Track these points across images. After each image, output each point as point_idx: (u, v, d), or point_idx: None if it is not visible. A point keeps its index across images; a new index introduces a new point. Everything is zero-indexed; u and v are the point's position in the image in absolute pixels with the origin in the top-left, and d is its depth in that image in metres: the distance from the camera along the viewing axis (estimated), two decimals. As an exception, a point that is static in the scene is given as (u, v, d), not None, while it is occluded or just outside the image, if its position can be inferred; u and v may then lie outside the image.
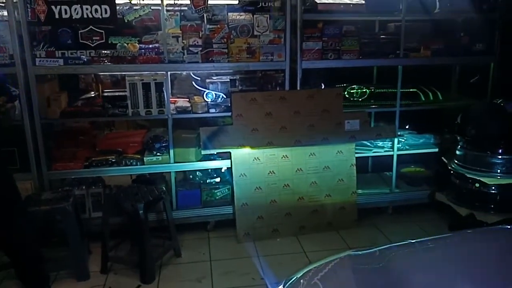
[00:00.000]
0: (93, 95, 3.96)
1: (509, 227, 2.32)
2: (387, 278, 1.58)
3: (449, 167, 3.80)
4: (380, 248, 1.80)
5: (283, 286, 1.67)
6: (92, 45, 3.39)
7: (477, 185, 3.57)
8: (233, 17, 3.58)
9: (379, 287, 1.56)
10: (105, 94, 3.73)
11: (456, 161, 3.76)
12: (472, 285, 1.57)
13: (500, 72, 4.03)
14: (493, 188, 3.53)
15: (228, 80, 3.81)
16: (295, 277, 1.69)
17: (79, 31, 3.35)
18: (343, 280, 1.62)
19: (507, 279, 1.58)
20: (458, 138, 3.76)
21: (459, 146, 3.75)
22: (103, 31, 3.37)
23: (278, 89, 3.85)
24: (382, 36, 4.05)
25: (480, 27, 3.95)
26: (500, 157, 3.51)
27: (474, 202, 3.60)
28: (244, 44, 3.61)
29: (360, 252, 1.80)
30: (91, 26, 3.35)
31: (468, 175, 3.61)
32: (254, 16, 3.60)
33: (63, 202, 3.08)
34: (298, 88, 3.75)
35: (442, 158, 3.97)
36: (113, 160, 3.61)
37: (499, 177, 3.51)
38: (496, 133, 3.56)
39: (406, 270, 1.65)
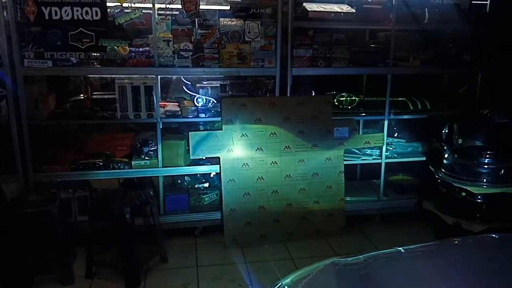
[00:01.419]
0: (82, 97, 3.93)
1: (495, 236, 2.34)
2: (371, 285, 1.58)
3: (436, 176, 3.84)
4: (365, 255, 1.80)
5: (268, 293, 1.66)
6: (82, 47, 3.36)
7: (463, 194, 3.60)
8: (224, 22, 3.59)
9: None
10: (94, 96, 3.71)
11: (443, 170, 3.79)
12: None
13: (487, 83, 4.09)
14: (479, 197, 3.56)
15: (219, 85, 3.81)
16: (279, 283, 1.69)
17: (69, 33, 3.33)
18: (327, 286, 1.61)
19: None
20: (445, 147, 3.80)
21: (446, 155, 3.79)
22: (93, 33, 3.35)
23: (268, 95, 3.87)
24: (372, 45, 4.10)
25: (468, 38, 4.02)
26: (486, 166, 3.55)
27: (460, 211, 3.63)
28: (235, 50, 3.62)
29: (344, 259, 1.80)
30: (81, 28, 3.33)
31: (455, 184, 3.64)
32: (246, 22, 3.61)
33: (48, 204, 3.04)
34: (288, 95, 3.77)
35: (430, 166, 4.01)
36: (100, 164, 3.58)
37: (485, 186, 3.55)
38: (483, 143, 3.60)
39: (391, 278, 1.66)
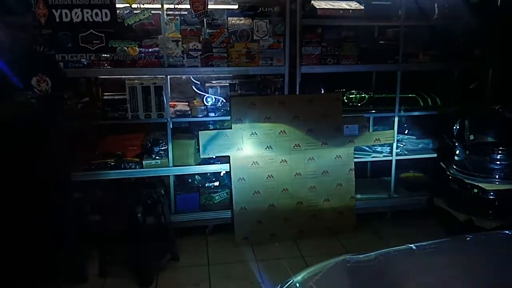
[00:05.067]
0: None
1: (507, 232, 2.32)
2: (383, 282, 1.58)
3: (448, 173, 3.80)
4: (376, 252, 1.80)
5: (279, 290, 1.67)
6: (92, 49, 3.40)
7: (475, 190, 3.56)
8: (232, 21, 3.60)
9: (375, 291, 1.56)
10: (105, 97, 3.74)
11: (454, 167, 3.76)
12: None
13: (498, 78, 4.04)
14: (492, 193, 3.52)
15: (228, 84, 3.82)
16: (291, 281, 1.70)
17: (79, 35, 3.37)
18: (338, 284, 1.62)
19: (505, 285, 1.58)
20: (457, 143, 3.77)
21: (457, 152, 3.76)
22: (103, 35, 3.39)
23: (277, 93, 3.86)
24: (381, 42, 4.08)
25: (479, 32, 3.97)
26: (498, 162, 3.51)
27: (472, 208, 3.59)
28: (244, 49, 3.63)
29: (356, 256, 1.80)
30: (91, 30, 3.37)
31: (467, 181, 3.61)
32: (254, 21, 3.62)
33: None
34: (297, 93, 3.76)
35: (441, 163, 3.97)
36: (112, 164, 3.62)
37: (497, 183, 3.51)
38: (495, 139, 3.57)
39: (402, 275, 1.65)
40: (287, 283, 1.70)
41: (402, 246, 1.87)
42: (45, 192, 2.66)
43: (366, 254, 1.79)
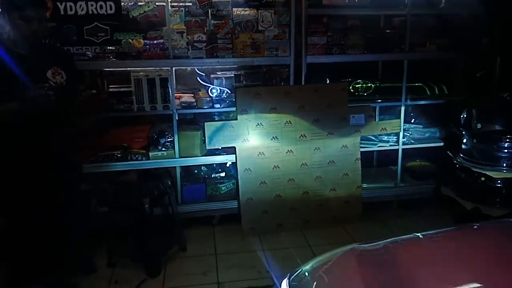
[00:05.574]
0: (95, 91, 3.96)
1: (515, 220, 2.32)
2: (392, 270, 1.59)
3: (455, 161, 3.79)
4: (384, 241, 1.81)
5: (288, 279, 1.68)
6: (97, 41, 3.40)
7: (482, 179, 3.55)
8: (237, 12, 3.58)
9: (384, 279, 1.57)
10: (110, 90, 3.75)
11: (461, 155, 3.75)
12: (477, 278, 1.58)
13: (506, 66, 4.00)
14: (499, 182, 3.50)
15: (233, 75, 3.81)
16: (300, 270, 1.71)
17: (84, 27, 3.36)
18: (348, 272, 1.63)
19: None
20: (464, 132, 3.75)
21: (464, 140, 3.74)
22: (108, 27, 3.38)
23: (282, 84, 3.85)
24: (387, 31, 4.04)
25: (486, 21, 3.92)
26: (506, 150, 3.49)
27: (479, 196, 3.58)
28: (249, 39, 3.61)
29: (364, 245, 1.81)
30: (96, 23, 3.36)
31: (474, 169, 3.59)
32: (259, 11, 3.60)
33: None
34: (303, 83, 3.75)
35: (448, 152, 3.96)
36: (118, 155, 3.63)
37: (505, 171, 3.49)
38: (502, 127, 3.54)
39: (411, 263, 1.66)
40: (296, 272, 1.71)
41: (409, 235, 1.87)
42: (57, 184, 2.68)
43: (375, 243, 1.79)
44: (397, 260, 1.67)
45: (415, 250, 1.81)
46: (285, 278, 1.71)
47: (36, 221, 2.63)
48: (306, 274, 1.68)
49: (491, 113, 3.66)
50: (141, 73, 3.54)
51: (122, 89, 3.67)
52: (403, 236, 1.89)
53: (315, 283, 1.64)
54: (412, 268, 1.61)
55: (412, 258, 1.72)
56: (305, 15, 3.62)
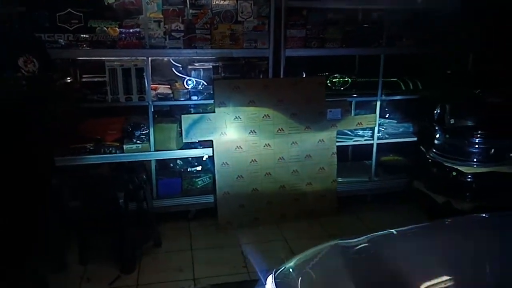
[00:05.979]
0: (69, 80, 3.82)
1: (484, 215, 2.38)
2: (376, 265, 1.60)
3: (427, 156, 3.87)
4: (368, 237, 1.82)
5: (273, 276, 1.66)
6: (71, 29, 3.26)
7: (454, 173, 3.65)
8: (216, 2, 3.51)
9: (369, 274, 1.58)
10: (84, 79, 3.61)
11: (434, 150, 3.83)
12: (451, 272, 1.60)
13: (479, 62, 4.10)
14: (470, 176, 3.60)
15: (211, 66, 3.76)
16: (285, 267, 1.69)
17: (57, 14, 3.21)
18: (334, 268, 1.63)
19: (482, 266, 1.63)
20: (437, 127, 3.83)
21: (437, 135, 3.83)
22: (81, 14, 3.25)
23: (261, 77, 3.83)
24: (365, 25, 4.06)
25: (462, 17, 3.99)
26: (477, 146, 3.59)
27: (450, 190, 3.68)
28: (228, 30, 3.55)
29: (348, 241, 1.81)
30: (69, 9, 3.22)
31: (446, 164, 3.69)
32: (238, 1, 3.54)
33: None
34: (282, 76, 3.73)
35: (421, 147, 4.05)
36: (91, 148, 3.52)
37: (475, 166, 3.60)
38: (474, 123, 3.64)
39: (394, 258, 1.67)
40: (280, 269, 1.70)
41: (389, 231, 1.89)
42: (29, 178, 2.56)
43: (358, 239, 1.80)
44: (381, 255, 1.68)
45: (397, 244, 1.83)
46: (270, 274, 1.70)
47: (4, 215, 2.51)
48: (291, 270, 1.67)
49: (464, 109, 3.75)
50: (116, 63, 3.43)
51: (96, 79, 3.55)
52: (383, 231, 1.90)
53: (300, 278, 1.63)
54: (395, 262, 1.63)
55: (395, 252, 1.73)
56: (285, 7, 3.59)
